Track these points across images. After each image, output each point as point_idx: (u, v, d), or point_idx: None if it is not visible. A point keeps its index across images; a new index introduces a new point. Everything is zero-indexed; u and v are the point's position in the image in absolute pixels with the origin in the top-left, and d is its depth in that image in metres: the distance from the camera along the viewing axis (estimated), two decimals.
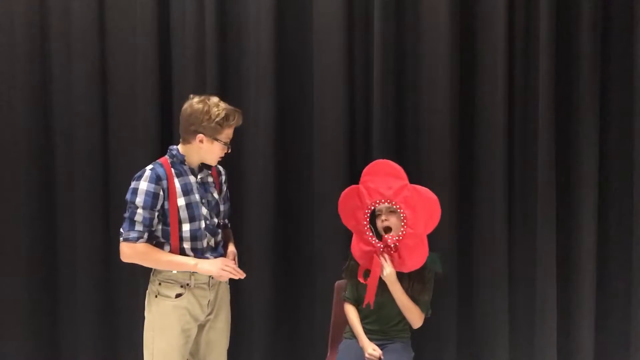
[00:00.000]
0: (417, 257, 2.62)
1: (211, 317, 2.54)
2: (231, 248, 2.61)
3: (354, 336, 2.76)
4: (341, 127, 3.15)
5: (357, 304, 2.79)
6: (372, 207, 2.69)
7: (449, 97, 3.11)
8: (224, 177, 2.63)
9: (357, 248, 2.74)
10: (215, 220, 2.52)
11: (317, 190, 3.20)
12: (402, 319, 2.73)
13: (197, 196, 2.45)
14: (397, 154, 3.11)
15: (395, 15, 3.15)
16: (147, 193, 2.35)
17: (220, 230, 2.57)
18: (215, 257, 2.48)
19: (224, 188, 2.63)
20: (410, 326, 2.76)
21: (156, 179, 2.37)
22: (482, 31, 3.16)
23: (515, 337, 3.22)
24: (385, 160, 2.71)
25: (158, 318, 2.44)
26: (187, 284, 2.42)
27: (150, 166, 2.41)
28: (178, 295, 2.42)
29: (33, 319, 3.33)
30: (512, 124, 3.17)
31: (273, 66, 3.16)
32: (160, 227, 2.41)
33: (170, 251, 2.41)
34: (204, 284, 2.46)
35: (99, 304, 3.32)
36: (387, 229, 2.70)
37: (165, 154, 2.50)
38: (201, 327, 2.54)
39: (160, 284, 2.43)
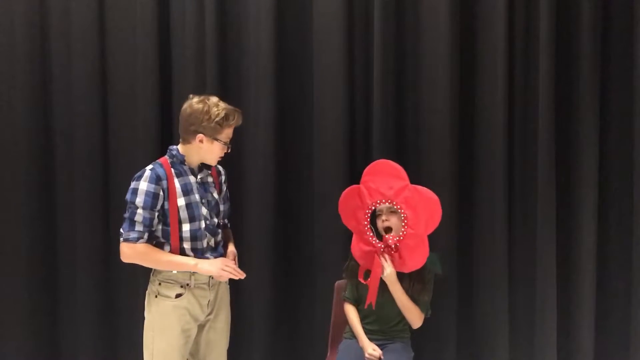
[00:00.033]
0: (417, 258, 2.62)
1: (211, 317, 2.54)
2: (231, 248, 2.61)
3: (354, 336, 2.76)
4: (341, 127, 3.15)
5: (357, 304, 2.79)
6: (373, 207, 2.69)
7: (449, 97, 3.11)
8: (223, 177, 2.63)
9: (357, 248, 2.74)
10: (215, 220, 2.52)
11: (317, 190, 3.20)
12: (402, 319, 2.73)
13: (197, 196, 2.45)
14: (397, 154, 3.11)
15: (395, 15, 3.15)
16: (147, 193, 2.34)
17: (220, 230, 2.57)
18: (215, 257, 2.48)
19: (224, 188, 2.63)
20: (410, 326, 2.76)
21: (156, 179, 2.37)
22: (482, 31, 3.16)
23: (515, 337, 3.22)
24: (386, 161, 2.71)
25: (158, 318, 2.44)
26: (187, 284, 2.42)
27: (150, 166, 2.41)
28: (178, 296, 2.42)
29: (33, 319, 3.33)
30: (512, 124, 3.17)
31: (273, 66, 3.16)
32: (160, 227, 2.41)
33: (171, 251, 2.41)
34: (204, 284, 2.46)
35: (99, 304, 3.32)
36: (388, 229, 2.69)
37: (165, 154, 2.50)
38: (201, 327, 2.54)
39: (160, 284, 2.43)
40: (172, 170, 2.42)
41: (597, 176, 3.17)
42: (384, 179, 2.66)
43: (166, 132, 3.20)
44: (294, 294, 3.28)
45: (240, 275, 2.44)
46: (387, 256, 2.64)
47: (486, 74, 3.15)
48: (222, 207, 2.57)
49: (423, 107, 3.17)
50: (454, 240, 3.15)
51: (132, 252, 2.36)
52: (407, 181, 2.62)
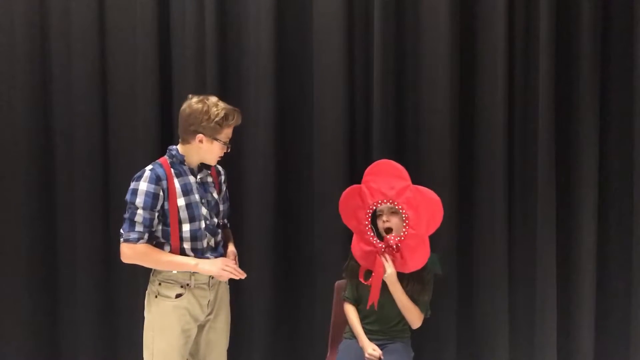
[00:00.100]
0: (418, 258, 2.62)
1: (211, 317, 2.54)
2: (231, 248, 2.61)
3: (354, 336, 2.76)
4: (341, 127, 3.15)
5: (357, 304, 2.79)
6: (374, 207, 2.69)
7: (449, 97, 3.11)
8: (223, 177, 2.63)
9: (357, 248, 2.74)
10: (215, 220, 2.52)
11: (317, 190, 3.20)
12: (402, 319, 2.73)
13: (196, 196, 2.45)
14: (397, 154, 3.11)
15: (395, 15, 3.15)
16: (147, 194, 2.34)
17: (220, 230, 2.57)
18: (216, 257, 2.48)
19: (224, 188, 2.63)
20: (410, 326, 2.76)
21: (156, 180, 2.36)
22: (482, 31, 3.16)
23: (515, 337, 3.22)
24: (388, 161, 2.71)
25: (158, 318, 2.44)
26: (187, 284, 2.42)
27: (149, 166, 2.41)
28: (178, 296, 2.42)
29: (33, 319, 3.33)
30: (512, 124, 3.17)
31: (273, 66, 3.16)
32: (160, 227, 2.41)
33: (171, 251, 2.41)
34: (204, 284, 2.46)
35: (99, 304, 3.32)
36: (388, 230, 2.69)
37: (165, 154, 2.50)
38: (201, 327, 2.54)
39: (160, 284, 2.43)
40: (172, 170, 2.42)
41: (597, 176, 3.17)
42: (386, 179, 2.65)
43: (166, 132, 3.20)
44: (294, 294, 3.28)
45: (240, 275, 2.44)
46: (387, 256, 2.64)
47: (486, 74, 3.15)
48: (221, 207, 2.57)
49: (423, 107, 3.17)
50: (454, 240, 3.15)
51: (133, 252, 2.36)
52: (409, 181, 2.62)
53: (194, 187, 2.45)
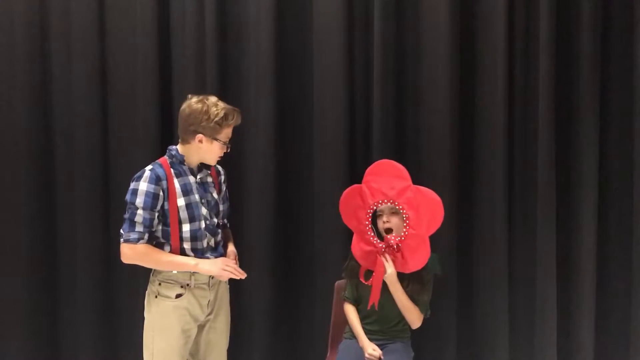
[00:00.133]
0: (419, 258, 2.62)
1: (211, 317, 2.54)
2: (231, 248, 2.61)
3: (354, 336, 2.76)
4: (341, 127, 3.15)
5: (357, 304, 2.79)
6: (375, 207, 2.69)
7: (449, 97, 3.11)
8: (223, 177, 2.63)
9: (357, 248, 2.74)
10: (215, 220, 2.52)
11: (317, 190, 3.20)
12: (402, 319, 2.73)
13: (196, 196, 2.45)
14: (397, 154, 3.11)
15: (395, 15, 3.15)
16: (147, 194, 2.34)
17: (220, 230, 2.57)
18: (216, 257, 2.48)
19: (223, 188, 2.63)
20: (410, 326, 2.76)
21: (156, 180, 2.36)
22: (482, 31, 3.16)
23: (515, 337, 3.22)
24: (388, 161, 2.71)
25: (158, 318, 2.44)
26: (187, 284, 2.42)
27: (149, 167, 2.41)
28: (178, 296, 2.42)
29: (33, 319, 3.33)
30: (512, 124, 3.17)
31: (273, 66, 3.16)
32: (160, 227, 2.41)
33: (171, 251, 2.41)
34: (203, 284, 2.46)
35: (99, 304, 3.32)
36: (389, 230, 2.69)
37: (165, 154, 2.50)
38: (201, 327, 2.53)
39: (160, 284, 2.43)
40: (172, 170, 2.42)
41: (597, 176, 3.17)
42: (387, 179, 2.65)
43: (166, 132, 3.20)
44: (294, 294, 3.28)
45: (241, 275, 2.44)
46: (387, 256, 2.64)
47: (486, 74, 3.15)
48: (221, 207, 2.57)
49: (423, 107, 3.17)
50: (454, 240, 3.15)
51: (133, 252, 2.36)
52: (410, 182, 2.62)
53: (194, 187, 2.45)
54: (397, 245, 2.63)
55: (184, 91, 3.02)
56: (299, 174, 3.26)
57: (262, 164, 3.19)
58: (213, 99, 2.43)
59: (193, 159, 2.46)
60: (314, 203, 3.21)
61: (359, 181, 2.73)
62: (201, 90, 2.98)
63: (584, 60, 3.13)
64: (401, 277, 2.65)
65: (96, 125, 3.29)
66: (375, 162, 2.74)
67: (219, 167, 2.62)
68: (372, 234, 2.69)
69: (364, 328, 2.73)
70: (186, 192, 2.42)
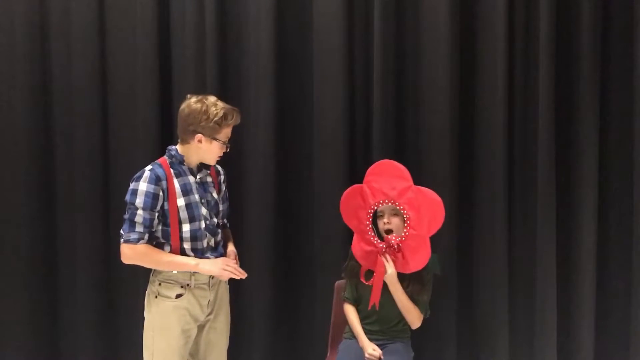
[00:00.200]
0: (419, 258, 2.62)
1: (211, 317, 2.54)
2: (231, 247, 2.61)
3: (354, 336, 2.76)
4: (341, 127, 3.15)
5: (357, 304, 2.79)
6: (375, 207, 2.69)
7: (449, 97, 3.11)
8: (222, 177, 2.63)
9: (358, 248, 2.74)
10: (215, 220, 2.52)
11: (317, 190, 3.20)
12: (402, 319, 2.73)
13: (196, 196, 2.45)
14: (397, 154, 3.11)
15: (395, 15, 3.15)
16: (146, 194, 2.34)
17: (220, 230, 2.57)
18: (216, 257, 2.48)
19: (223, 188, 2.63)
20: (410, 326, 2.76)
21: (156, 180, 2.36)
22: (482, 31, 3.16)
23: (515, 337, 3.22)
24: (390, 161, 2.71)
25: (158, 318, 2.44)
26: (187, 284, 2.42)
27: (149, 167, 2.41)
28: (178, 296, 2.42)
29: (33, 319, 3.33)
30: (512, 124, 3.17)
31: (273, 66, 3.16)
32: (160, 227, 2.41)
33: (171, 252, 2.41)
34: (204, 284, 2.46)
35: (99, 304, 3.32)
36: (389, 231, 2.69)
37: (164, 154, 2.50)
38: (201, 327, 2.53)
39: (160, 284, 2.43)
40: (172, 170, 2.42)
41: (597, 176, 3.16)
42: (388, 179, 2.65)
43: (166, 132, 3.20)
44: (294, 294, 3.28)
45: (241, 274, 2.44)
46: (388, 256, 2.64)
47: (486, 74, 3.15)
48: (221, 207, 2.57)
49: (423, 107, 3.17)
50: (454, 240, 3.15)
51: (133, 253, 2.36)
52: (411, 182, 2.62)
53: (194, 187, 2.45)
54: (398, 245, 2.63)
55: (184, 91, 3.01)
56: (299, 174, 3.26)
57: (262, 164, 3.19)
58: (212, 98, 2.43)
59: (193, 159, 2.46)
60: (314, 203, 3.21)
61: (359, 181, 2.73)
62: (201, 90, 2.98)
63: (584, 60, 3.13)
64: (401, 277, 2.65)
65: (96, 125, 3.29)
66: (377, 162, 2.74)
67: (219, 167, 2.62)
68: (373, 234, 2.69)
69: (364, 328, 2.73)
70: (186, 192, 2.42)
